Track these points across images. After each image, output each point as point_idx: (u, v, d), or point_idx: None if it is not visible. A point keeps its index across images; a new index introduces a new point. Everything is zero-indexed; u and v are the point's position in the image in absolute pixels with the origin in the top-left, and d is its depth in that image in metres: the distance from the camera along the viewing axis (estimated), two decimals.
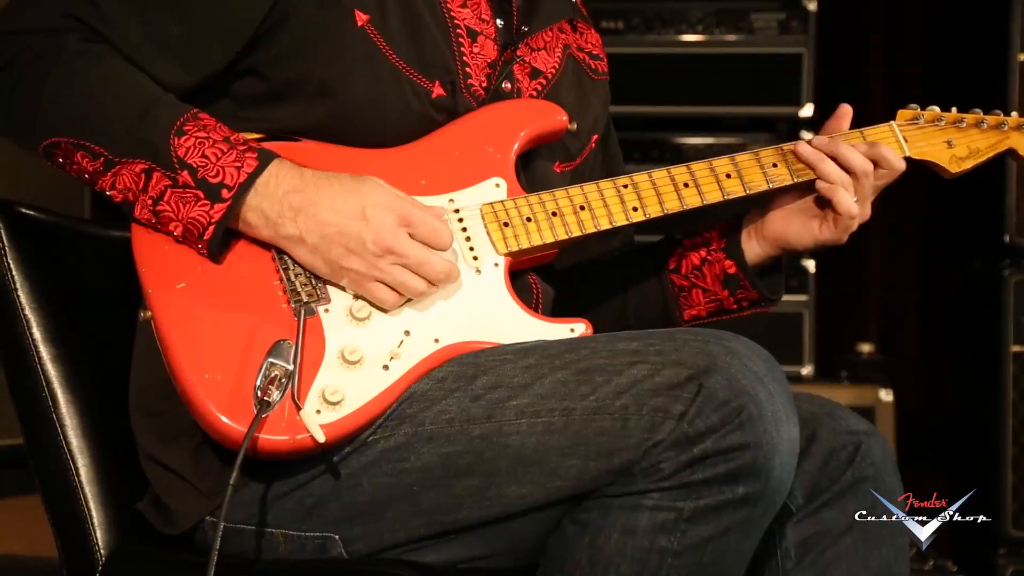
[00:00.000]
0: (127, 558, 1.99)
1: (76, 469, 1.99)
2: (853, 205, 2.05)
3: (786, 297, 4.06)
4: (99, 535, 1.99)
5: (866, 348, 4.33)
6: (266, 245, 1.89)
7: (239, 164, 1.84)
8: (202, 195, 1.84)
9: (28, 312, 2.01)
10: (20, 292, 2.01)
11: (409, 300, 1.88)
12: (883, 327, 4.65)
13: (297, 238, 1.85)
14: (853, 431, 1.96)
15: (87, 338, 2.05)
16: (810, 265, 4.16)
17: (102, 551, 1.99)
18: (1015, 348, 3.99)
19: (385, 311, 1.87)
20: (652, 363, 1.77)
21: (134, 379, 1.99)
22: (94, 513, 1.99)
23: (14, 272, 2.01)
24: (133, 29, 1.90)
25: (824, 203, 2.08)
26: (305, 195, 1.85)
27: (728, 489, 1.73)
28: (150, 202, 1.85)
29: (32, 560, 3.58)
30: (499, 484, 1.80)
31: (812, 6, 4.19)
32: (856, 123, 2.14)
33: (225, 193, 1.83)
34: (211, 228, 1.84)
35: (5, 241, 2.02)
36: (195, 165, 1.84)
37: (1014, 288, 3.99)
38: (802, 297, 4.16)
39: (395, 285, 1.86)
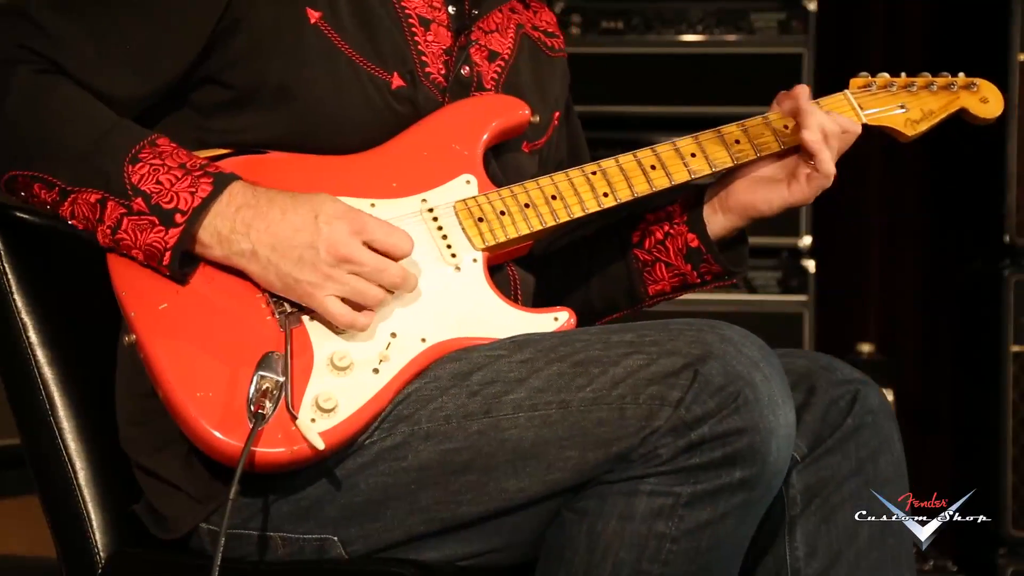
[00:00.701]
0: (127, 561, 1.99)
1: (74, 472, 1.99)
2: (832, 164, 2.07)
3: (786, 297, 4.12)
4: (98, 537, 1.99)
5: (866, 348, 4.33)
6: None
7: (193, 189, 1.83)
8: (157, 221, 1.83)
9: (24, 315, 2.01)
10: (16, 295, 2.01)
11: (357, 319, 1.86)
12: (883, 327, 4.65)
13: (250, 252, 1.84)
14: (849, 380, 1.98)
15: (84, 341, 2.05)
16: (810, 265, 4.15)
17: (101, 553, 1.99)
18: (1015, 348, 3.98)
19: (339, 329, 1.85)
20: (647, 353, 1.78)
21: (119, 395, 1.98)
22: (93, 515, 1.99)
23: (10, 275, 2.02)
24: (85, 49, 1.89)
25: (791, 167, 2.10)
26: (257, 209, 1.84)
27: (725, 473, 1.74)
28: (109, 231, 1.85)
29: (32, 560, 3.58)
30: (498, 479, 1.81)
31: (812, 6, 4.19)
32: None
33: (179, 218, 1.82)
34: (167, 254, 1.83)
35: (1, 244, 2.02)
36: (149, 192, 1.83)
37: (1014, 288, 3.98)
38: (802, 297, 4.16)
39: (352, 295, 1.84)
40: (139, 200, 1.83)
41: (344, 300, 1.85)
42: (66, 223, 1.89)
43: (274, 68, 1.94)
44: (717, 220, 2.16)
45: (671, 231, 2.18)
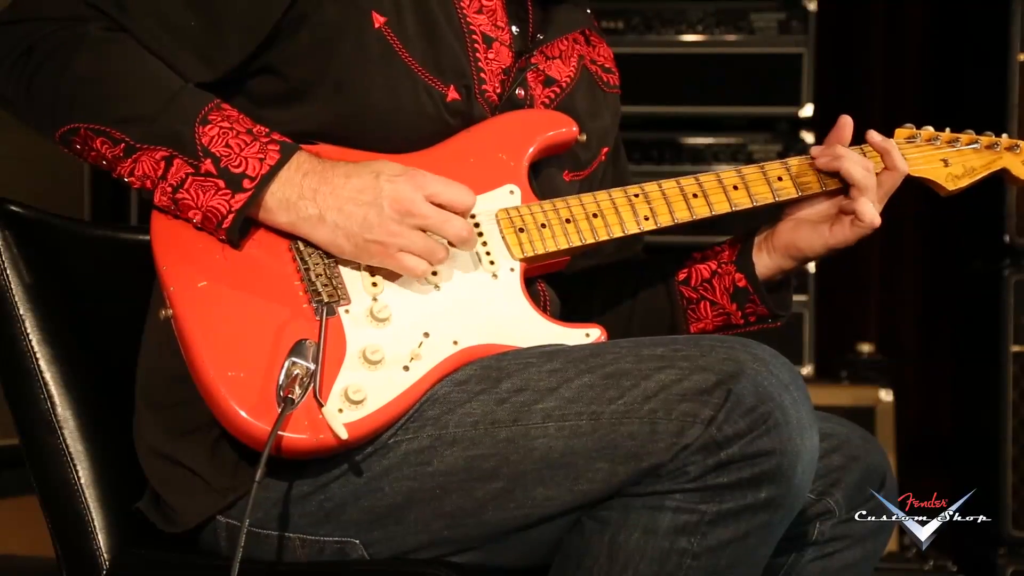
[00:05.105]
0: (133, 561, 1.98)
1: (76, 472, 1.98)
2: (873, 212, 2.07)
3: None
4: (101, 539, 1.98)
5: (866, 348, 4.33)
6: (286, 242, 1.89)
7: (262, 156, 1.86)
8: (223, 184, 1.85)
9: (24, 313, 2.00)
10: (15, 292, 2.00)
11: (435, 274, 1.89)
12: (883, 327, 4.66)
13: (316, 217, 1.86)
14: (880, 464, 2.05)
15: (84, 339, 2.05)
16: (810, 265, 4.16)
17: (105, 555, 1.98)
18: (1015, 348, 3.99)
19: (415, 281, 1.88)
20: (680, 368, 1.78)
21: (142, 373, 1.98)
22: (95, 516, 1.98)
23: (9, 272, 2.01)
24: (151, 23, 1.91)
25: (833, 208, 2.11)
26: (323, 175, 1.87)
27: (751, 493, 1.74)
28: (170, 189, 1.86)
29: (32, 560, 3.58)
30: (525, 487, 1.80)
31: (812, 6, 4.20)
32: (856, 123, 2.15)
33: (247, 183, 1.85)
34: (230, 217, 1.85)
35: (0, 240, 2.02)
36: (218, 154, 1.85)
37: (1014, 288, 3.99)
38: (802, 297, 4.16)
39: (421, 252, 1.86)
40: (208, 162, 1.85)
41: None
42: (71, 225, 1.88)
43: (333, 67, 1.95)
44: (763, 260, 2.16)
45: (719, 270, 2.18)
